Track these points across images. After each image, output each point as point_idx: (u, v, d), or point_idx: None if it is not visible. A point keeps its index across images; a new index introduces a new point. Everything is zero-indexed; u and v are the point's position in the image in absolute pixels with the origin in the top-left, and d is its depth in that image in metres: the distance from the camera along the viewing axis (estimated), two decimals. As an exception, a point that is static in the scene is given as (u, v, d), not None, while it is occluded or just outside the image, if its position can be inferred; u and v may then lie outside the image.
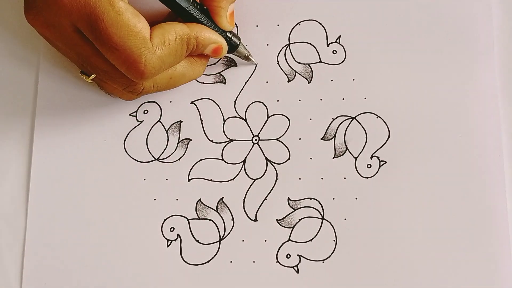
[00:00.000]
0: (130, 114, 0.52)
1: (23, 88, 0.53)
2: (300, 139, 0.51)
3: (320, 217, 0.49)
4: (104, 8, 0.43)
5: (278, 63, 0.52)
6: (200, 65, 0.50)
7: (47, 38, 0.47)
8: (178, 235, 0.50)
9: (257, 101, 0.52)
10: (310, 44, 0.52)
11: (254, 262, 0.49)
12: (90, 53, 0.46)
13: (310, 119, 0.51)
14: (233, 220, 0.50)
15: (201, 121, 0.52)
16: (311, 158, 0.50)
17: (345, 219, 0.49)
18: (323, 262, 0.49)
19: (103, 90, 0.51)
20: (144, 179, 0.51)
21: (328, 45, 0.52)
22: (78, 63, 0.49)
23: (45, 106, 0.52)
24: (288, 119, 0.51)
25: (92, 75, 0.48)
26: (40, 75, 0.53)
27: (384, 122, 0.50)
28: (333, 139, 0.50)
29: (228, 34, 0.50)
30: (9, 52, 0.54)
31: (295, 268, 0.49)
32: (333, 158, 0.50)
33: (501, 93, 0.51)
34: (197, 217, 0.50)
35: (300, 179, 0.50)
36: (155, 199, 0.50)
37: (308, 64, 0.52)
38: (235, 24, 0.52)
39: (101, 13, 0.43)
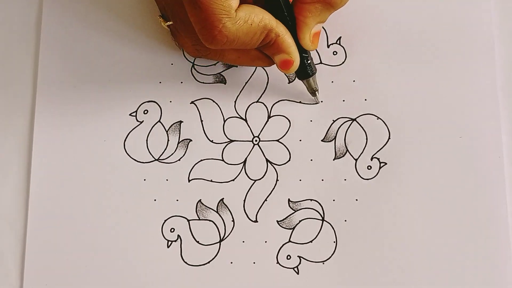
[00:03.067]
0: (130, 114, 0.52)
1: (23, 88, 0.53)
2: (300, 140, 0.51)
3: (321, 218, 0.49)
4: None
5: (278, 63, 0.52)
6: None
7: None
8: (178, 235, 0.50)
9: (257, 102, 0.52)
10: (311, 45, 0.52)
11: (254, 263, 0.49)
12: (175, 0, 0.46)
13: (311, 120, 0.51)
14: (233, 221, 0.50)
15: (201, 121, 0.52)
16: (311, 160, 0.50)
17: (345, 221, 0.49)
18: (323, 263, 0.49)
19: (174, 40, 0.51)
20: (144, 180, 0.51)
21: (328, 46, 0.52)
22: (160, 5, 0.49)
23: (45, 106, 0.52)
24: (289, 120, 0.51)
25: (169, 22, 0.49)
26: (39, 75, 0.53)
27: (385, 123, 0.50)
28: (334, 140, 0.50)
29: (308, 59, 0.48)
30: (7, 51, 0.53)
31: (295, 269, 0.49)
32: (333, 159, 0.50)
33: (501, 93, 0.51)
34: (197, 218, 0.50)
35: (300, 180, 0.50)
36: (155, 200, 0.50)
37: (309, 65, 0.52)
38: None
39: None
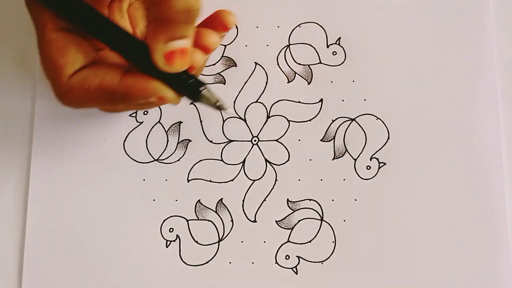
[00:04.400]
0: (130, 115, 0.52)
1: (22, 88, 0.53)
2: (299, 140, 0.51)
3: (319, 218, 0.49)
4: (38, 33, 0.43)
5: (278, 64, 0.52)
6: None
7: None
8: (177, 235, 0.50)
9: (256, 102, 0.52)
10: (310, 45, 0.52)
11: (253, 263, 0.49)
12: None
13: (310, 120, 0.51)
14: (232, 221, 0.50)
15: (201, 121, 0.52)
16: (310, 160, 0.50)
17: (344, 221, 0.49)
18: (322, 263, 0.49)
19: None
20: (144, 180, 0.51)
21: (328, 47, 0.52)
22: None
23: (45, 106, 0.52)
24: (288, 120, 0.51)
25: None
26: (39, 74, 0.53)
27: (384, 123, 0.50)
28: (333, 140, 0.50)
29: (186, 79, 0.41)
30: (6, 52, 0.54)
31: (294, 269, 0.49)
32: (332, 159, 0.50)
33: (501, 94, 0.51)
34: (196, 218, 0.50)
35: (299, 180, 0.50)
36: (154, 200, 0.50)
37: (308, 65, 0.52)
38: (236, 26, 0.52)
39: (37, 36, 0.43)
